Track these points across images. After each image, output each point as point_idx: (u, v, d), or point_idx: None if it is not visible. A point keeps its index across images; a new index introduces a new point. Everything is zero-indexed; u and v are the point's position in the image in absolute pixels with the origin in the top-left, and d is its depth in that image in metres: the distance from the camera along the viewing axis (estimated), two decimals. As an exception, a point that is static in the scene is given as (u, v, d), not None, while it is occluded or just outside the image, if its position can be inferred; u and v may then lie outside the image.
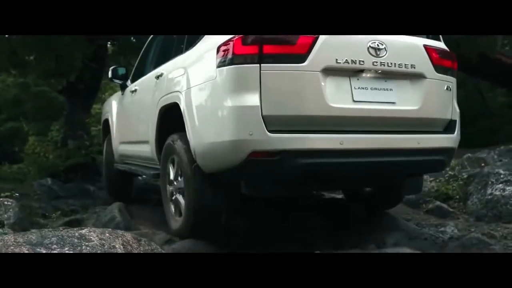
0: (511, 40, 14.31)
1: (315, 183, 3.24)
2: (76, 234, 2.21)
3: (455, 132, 3.32)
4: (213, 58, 2.90)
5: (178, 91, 3.31)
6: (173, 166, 3.42)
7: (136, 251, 2.41)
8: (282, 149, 2.68)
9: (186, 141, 3.16)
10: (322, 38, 2.78)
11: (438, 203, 4.32)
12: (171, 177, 3.47)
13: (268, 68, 2.69)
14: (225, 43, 2.82)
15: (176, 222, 3.43)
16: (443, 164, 3.36)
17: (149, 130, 3.87)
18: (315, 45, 2.76)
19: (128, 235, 2.42)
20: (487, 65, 12.29)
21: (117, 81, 5.34)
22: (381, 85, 2.98)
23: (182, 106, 3.19)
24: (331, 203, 4.58)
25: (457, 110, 3.40)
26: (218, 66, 2.83)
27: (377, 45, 2.89)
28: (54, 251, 2.07)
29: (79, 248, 2.08)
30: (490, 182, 4.14)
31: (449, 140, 3.27)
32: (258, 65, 2.68)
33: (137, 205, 5.02)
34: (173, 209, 3.50)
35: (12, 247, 2.03)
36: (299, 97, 2.74)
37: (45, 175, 7.44)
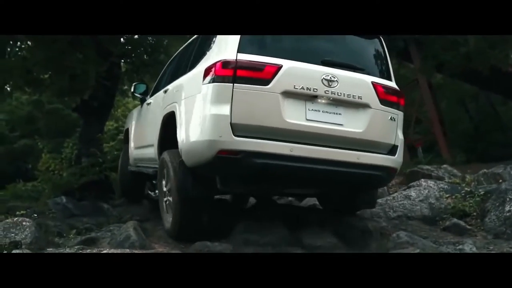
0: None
1: (272, 182, 3.95)
2: None
3: (396, 155, 3.95)
4: (201, 77, 3.71)
5: (175, 102, 4.15)
6: (167, 174, 4.20)
7: None
8: (243, 150, 3.44)
9: (174, 155, 4.04)
10: (284, 67, 3.58)
11: (455, 220, 4.26)
12: (164, 182, 4.32)
13: (239, 87, 3.49)
14: (210, 67, 3.64)
15: (168, 223, 4.21)
16: (381, 179, 3.97)
17: (154, 134, 4.68)
18: (278, 73, 3.56)
19: None
20: (499, 78, 12.22)
21: (138, 95, 6.11)
22: (331, 110, 3.72)
23: (176, 113, 4.03)
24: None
25: (401, 137, 4.04)
26: (204, 83, 3.66)
27: (330, 77, 3.68)
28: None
29: None
30: (508, 199, 4.08)
31: (388, 160, 3.90)
32: (232, 84, 3.49)
33: (152, 222, 5.02)
34: (165, 208, 4.29)
35: None
36: (261, 111, 3.53)
37: (60, 193, 7.46)
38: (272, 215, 4.39)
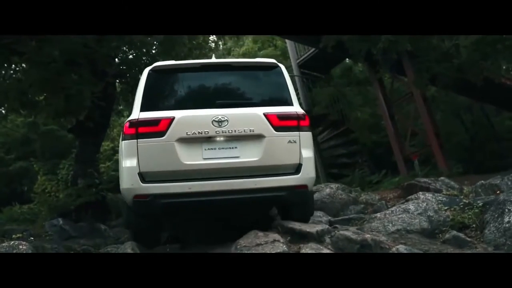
0: (515, 64, 14.34)
1: (184, 213, 4.90)
2: None
3: (300, 173, 4.35)
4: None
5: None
6: None
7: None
8: (151, 193, 4.13)
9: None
10: (176, 118, 4.21)
11: (454, 232, 4.23)
12: None
13: (141, 141, 4.17)
14: (123, 127, 4.36)
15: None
16: (287, 197, 4.33)
17: None
18: (171, 124, 4.19)
19: None
20: (492, 89, 12.30)
21: None
22: (227, 145, 4.27)
23: None
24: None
25: (307, 155, 4.42)
26: (121, 141, 4.44)
27: (220, 118, 4.23)
28: None
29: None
30: (507, 210, 4.06)
31: (290, 180, 4.33)
32: (136, 140, 4.17)
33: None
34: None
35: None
36: (161, 159, 4.16)
37: (56, 214, 7.43)
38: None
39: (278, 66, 4.81)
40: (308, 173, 4.41)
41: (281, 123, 4.38)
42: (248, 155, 4.27)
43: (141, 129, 4.19)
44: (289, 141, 4.36)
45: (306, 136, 4.48)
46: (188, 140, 4.21)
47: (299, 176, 4.35)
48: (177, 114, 4.27)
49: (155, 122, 4.22)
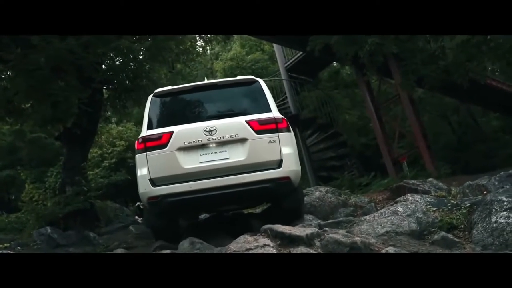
0: (501, 65, 14.51)
1: (190, 210, 6.01)
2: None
3: (282, 167, 5.17)
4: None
5: None
6: None
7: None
8: (160, 194, 5.06)
9: None
10: (175, 132, 5.16)
11: (443, 233, 4.24)
12: None
13: (150, 154, 5.17)
14: (136, 143, 5.37)
15: None
16: (272, 188, 5.15)
17: None
18: (171, 137, 5.14)
19: None
20: (478, 90, 12.41)
21: None
22: (218, 150, 5.17)
23: None
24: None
25: (287, 152, 5.24)
26: (135, 154, 5.39)
27: (209, 128, 5.16)
28: None
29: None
30: (494, 210, 4.08)
31: (273, 173, 5.14)
32: (145, 153, 5.19)
33: (139, 250, 4.96)
34: None
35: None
36: (165, 166, 5.12)
37: (44, 223, 7.34)
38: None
39: (257, 81, 5.80)
40: (289, 167, 5.23)
41: (261, 127, 5.25)
42: (236, 156, 5.14)
43: (148, 144, 5.21)
44: (270, 141, 5.21)
45: (285, 136, 5.33)
46: (186, 149, 5.14)
47: (281, 170, 5.17)
48: (175, 128, 5.22)
49: (158, 137, 5.21)
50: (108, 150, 16.97)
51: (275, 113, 5.48)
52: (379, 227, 4.59)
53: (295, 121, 15.53)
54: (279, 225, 4.30)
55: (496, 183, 5.32)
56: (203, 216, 7.88)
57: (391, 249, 3.67)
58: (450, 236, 4.20)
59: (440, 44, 9.70)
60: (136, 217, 12.47)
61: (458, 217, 4.50)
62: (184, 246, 4.65)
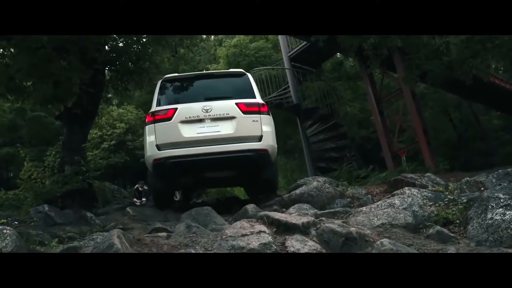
0: (505, 63, 14.45)
1: (190, 172, 6.70)
2: None
3: (261, 141, 6.46)
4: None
5: None
6: None
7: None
8: (163, 157, 6.31)
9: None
10: (178, 109, 6.48)
11: (438, 227, 4.25)
12: None
13: (158, 125, 6.47)
14: (146, 116, 6.95)
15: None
16: (253, 157, 6.33)
17: None
18: (175, 113, 6.44)
19: None
20: (481, 87, 12.39)
21: None
22: (212, 124, 6.43)
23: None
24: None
25: (266, 130, 6.55)
26: (145, 125, 6.82)
27: (206, 107, 6.46)
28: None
29: None
30: (490, 207, 4.09)
31: (254, 145, 6.40)
32: (154, 124, 6.49)
33: (136, 230, 4.98)
34: None
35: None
36: (170, 134, 6.39)
37: (42, 201, 7.35)
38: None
39: (246, 74, 7.30)
40: (267, 142, 6.54)
41: (247, 109, 6.55)
42: (226, 130, 6.42)
43: (157, 117, 6.51)
44: (253, 120, 6.51)
45: (266, 118, 6.67)
46: (187, 122, 6.42)
47: (261, 143, 6.47)
48: (179, 106, 6.55)
49: (165, 111, 6.52)
50: (108, 131, 16.99)
51: (258, 99, 6.87)
52: (375, 218, 4.60)
53: (296, 110, 15.54)
54: (276, 213, 4.33)
55: (494, 180, 5.33)
56: (199, 200, 8.24)
57: (386, 241, 3.69)
58: (445, 230, 4.21)
59: (445, 40, 9.66)
60: (134, 199, 12.54)
61: (454, 212, 4.51)
62: (181, 229, 4.66)
